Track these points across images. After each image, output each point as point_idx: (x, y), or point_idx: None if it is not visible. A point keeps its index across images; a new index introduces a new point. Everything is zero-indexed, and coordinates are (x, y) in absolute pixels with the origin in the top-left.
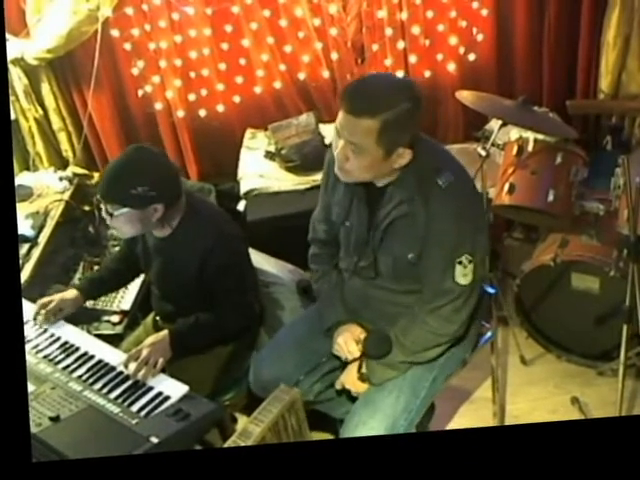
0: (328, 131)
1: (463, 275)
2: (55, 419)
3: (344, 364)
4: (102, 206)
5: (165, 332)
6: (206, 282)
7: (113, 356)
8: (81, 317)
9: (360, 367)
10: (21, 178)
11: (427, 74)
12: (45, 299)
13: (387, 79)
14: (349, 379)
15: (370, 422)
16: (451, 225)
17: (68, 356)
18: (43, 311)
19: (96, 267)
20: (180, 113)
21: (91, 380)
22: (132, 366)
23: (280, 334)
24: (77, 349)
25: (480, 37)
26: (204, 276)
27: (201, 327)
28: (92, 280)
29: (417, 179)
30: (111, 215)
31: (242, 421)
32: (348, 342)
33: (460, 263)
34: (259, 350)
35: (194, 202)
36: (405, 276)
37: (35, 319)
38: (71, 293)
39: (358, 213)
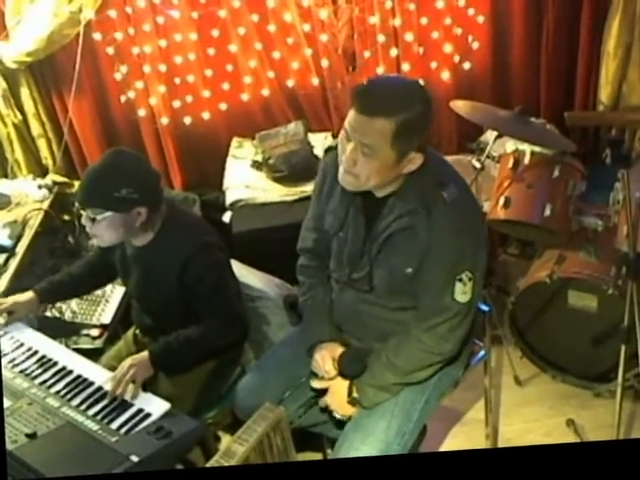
0: (317, 140)
1: (462, 293)
2: (32, 436)
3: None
4: (82, 212)
5: (145, 353)
6: (185, 292)
7: (92, 371)
8: (59, 330)
9: (350, 391)
10: None
11: (420, 82)
12: None
13: (399, 80)
14: (336, 401)
15: (362, 448)
16: (454, 240)
17: (46, 371)
18: None
19: None
20: (164, 120)
21: (69, 396)
22: (111, 384)
23: (263, 360)
24: (55, 364)
25: (476, 45)
26: (183, 285)
27: (183, 343)
28: (51, 283)
29: (421, 191)
30: (93, 220)
31: (225, 440)
32: (325, 360)
33: (460, 280)
34: (244, 367)
35: (174, 210)
36: (400, 291)
37: None
38: (26, 295)
39: (355, 224)
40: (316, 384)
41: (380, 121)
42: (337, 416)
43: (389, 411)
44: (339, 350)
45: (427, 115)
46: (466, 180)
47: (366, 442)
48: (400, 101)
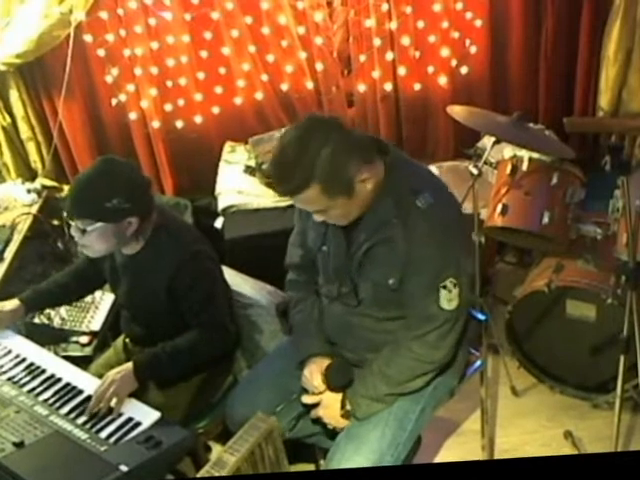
0: None
1: (448, 300)
2: (19, 445)
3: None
4: (72, 223)
5: (129, 365)
6: (174, 301)
7: (81, 379)
8: (48, 337)
9: (343, 404)
10: None
11: (417, 87)
12: None
13: (294, 138)
14: (329, 414)
15: (355, 458)
16: (433, 249)
17: (34, 378)
18: None
19: None
20: (156, 124)
21: (58, 404)
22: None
23: (256, 371)
24: (43, 371)
25: (473, 49)
26: (172, 295)
27: (170, 355)
28: (38, 291)
29: (394, 201)
30: (83, 231)
31: (216, 450)
32: (314, 375)
33: (445, 287)
34: (236, 376)
35: (164, 218)
36: (387, 302)
37: None
38: (12, 303)
39: (335, 238)
40: (307, 399)
41: (304, 193)
42: (330, 427)
43: (383, 421)
44: (326, 364)
45: (341, 142)
46: (452, 184)
47: (359, 452)
48: (307, 163)
